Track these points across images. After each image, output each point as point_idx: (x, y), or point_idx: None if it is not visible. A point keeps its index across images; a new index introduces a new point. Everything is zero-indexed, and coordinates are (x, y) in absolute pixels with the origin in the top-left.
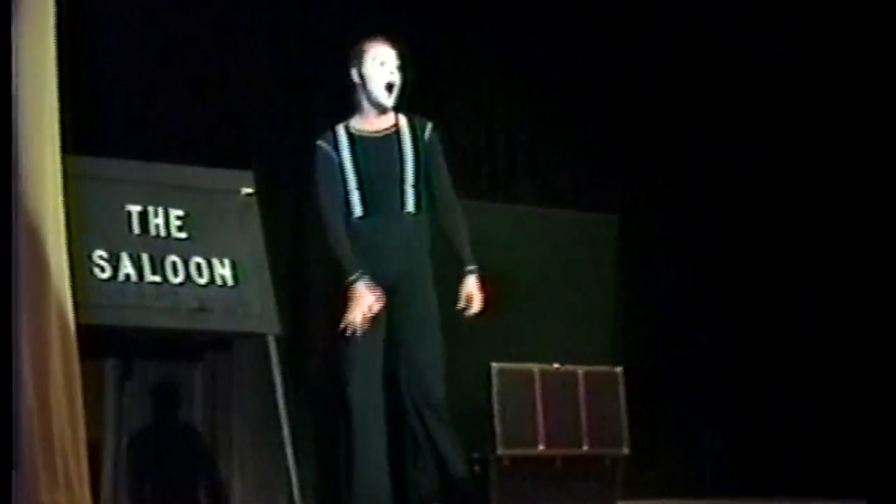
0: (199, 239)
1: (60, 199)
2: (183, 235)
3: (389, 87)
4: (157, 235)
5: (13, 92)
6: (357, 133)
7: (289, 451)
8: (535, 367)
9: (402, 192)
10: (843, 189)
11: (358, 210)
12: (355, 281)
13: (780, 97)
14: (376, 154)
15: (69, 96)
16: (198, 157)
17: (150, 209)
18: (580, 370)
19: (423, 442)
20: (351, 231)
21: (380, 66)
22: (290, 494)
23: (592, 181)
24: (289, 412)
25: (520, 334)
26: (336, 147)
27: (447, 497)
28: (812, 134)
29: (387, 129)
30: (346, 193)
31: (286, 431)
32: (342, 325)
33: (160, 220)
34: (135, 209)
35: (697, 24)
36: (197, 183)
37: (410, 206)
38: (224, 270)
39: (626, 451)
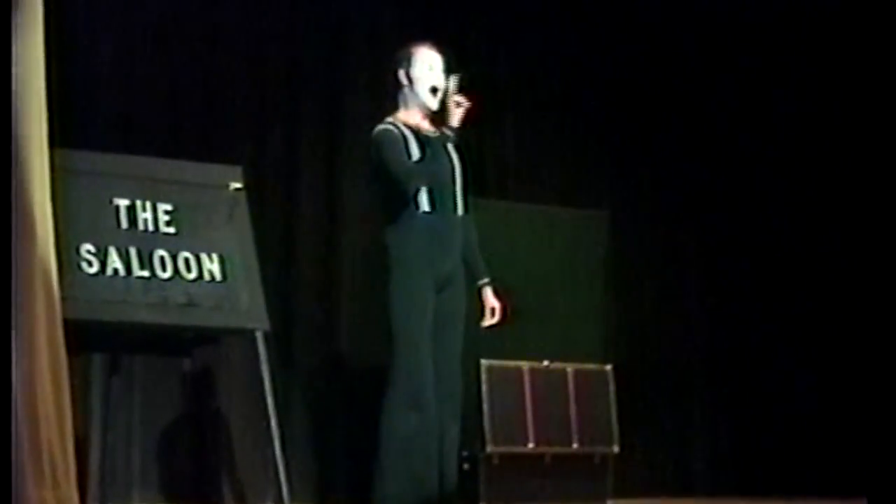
0: (188, 234)
1: (48, 192)
2: (171, 230)
3: (434, 90)
4: (146, 230)
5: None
6: (415, 129)
7: (277, 446)
8: (525, 365)
9: (454, 195)
10: (835, 184)
11: (426, 205)
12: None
13: (773, 94)
14: (433, 153)
15: (57, 90)
16: (186, 152)
17: (139, 203)
18: (570, 368)
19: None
20: (416, 222)
21: (428, 70)
22: (279, 490)
23: (583, 178)
24: (277, 408)
25: (509, 331)
26: (403, 136)
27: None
28: (805, 130)
29: (436, 132)
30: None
31: (274, 427)
32: None
33: (148, 215)
34: (123, 203)
35: (689, 20)
36: (185, 177)
37: (461, 209)
38: (212, 265)
39: (615, 449)
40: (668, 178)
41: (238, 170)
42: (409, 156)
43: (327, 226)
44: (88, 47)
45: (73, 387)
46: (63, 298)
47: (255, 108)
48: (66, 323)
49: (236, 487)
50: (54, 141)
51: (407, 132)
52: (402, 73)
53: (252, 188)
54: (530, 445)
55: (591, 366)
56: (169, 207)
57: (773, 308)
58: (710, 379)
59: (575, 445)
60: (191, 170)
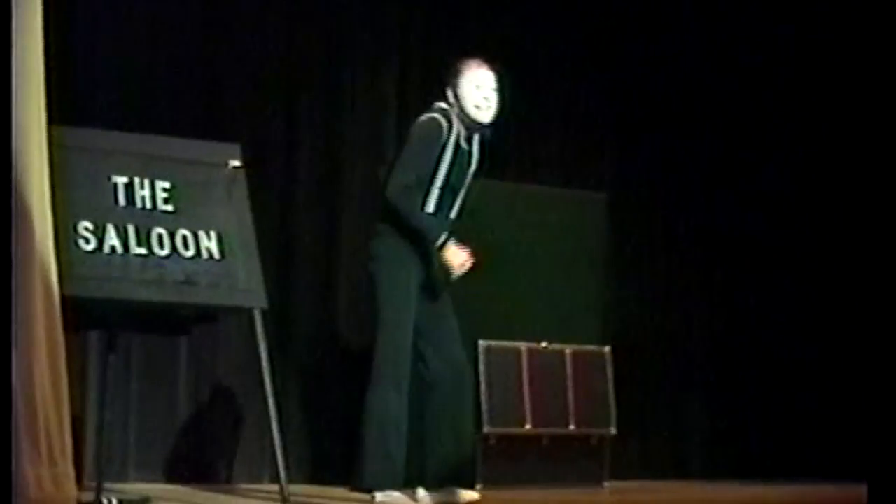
0: (186, 211)
1: (46, 169)
2: (169, 208)
3: (478, 107)
4: (144, 207)
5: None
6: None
7: (274, 425)
8: (523, 345)
9: (454, 199)
10: (835, 170)
11: (431, 207)
12: (446, 242)
13: (773, 78)
14: (458, 160)
15: (56, 66)
16: (185, 129)
17: (137, 181)
18: (568, 349)
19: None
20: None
21: (475, 88)
22: (276, 469)
23: (582, 159)
24: (274, 387)
25: (507, 312)
26: (449, 132)
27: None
28: (806, 116)
29: (470, 132)
30: (430, 183)
31: (271, 406)
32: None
33: (146, 192)
34: (121, 180)
35: (689, 3)
36: (184, 155)
37: (454, 213)
38: (210, 243)
39: (613, 431)
40: (668, 161)
41: (237, 148)
42: (441, 161)
43: (326, 204)
44: (88, 24)
45: (70, 364)
46: (60, 276)
47: (254, 86)
48: (64, 300)
49: (233, 466)
50: (52, 118)
51: (450, 145)
52: (449, 91)
53: (251, 166)
54: (527, 427)
55: (589, 347)
56: (167, 185)
57: (771, 292)
58: (708, 361)
59: (572, 427)
60: (189, 147)
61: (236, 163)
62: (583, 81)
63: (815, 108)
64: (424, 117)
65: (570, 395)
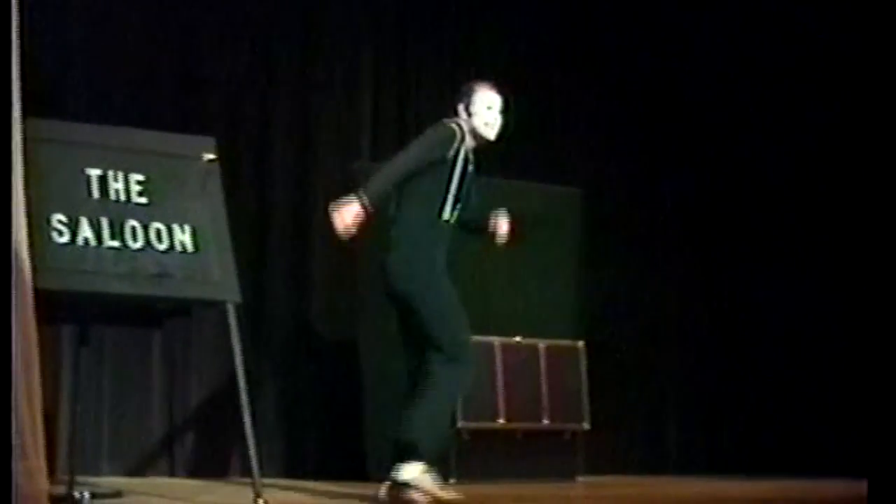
0: (160, 204)
1: (20, 162)
2: (143, 200)
3: (487, 124)
4: (117, 200)
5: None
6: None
7: (247, 420)
8: (497, 340)
9: (455, 205)
10: (804, 160)
11: (447, 214)
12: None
13: (746, 72)
14: (465, 171)
15: (30, 58)
16: (159, 122)
17: (110, 173)
18: (542, 343)
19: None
20: (439, 228)
21: (486, 108)
22: (249, 463)
23: (557, 154)
24: (247, 380)
25: (481, 306)
26: (461, 142)
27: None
28: (779, 105)
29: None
30: (446, 191)
31: (244, 399)
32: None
33: (120, 185)
34: (94, 173)
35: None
36: (158, 148)
37: (454, 217)
38: (184, 237)
39: (586, 425)
40: (641, 156)
41: (211, 141)
42: (454, 168)
43: (300, 198)
44: (62, 16)
45: (42, 358)
46: (34, 268)
47: (229, 80)
48: (37, 293)
49: (206, 460)
50: (26, 110)
51: (462, 145)
52: (461, 107)
53: (225, 160)
54: (501, 421)
55: (563, 342)
56: (141, 178)
57: (746, 285)
58: (683, 356)
59: (546, 421)
60: (164, 140)
61: (211, 156)
62: (559, 76)
63: (792, 100)
64: (440, 122)
65: (544, 389)
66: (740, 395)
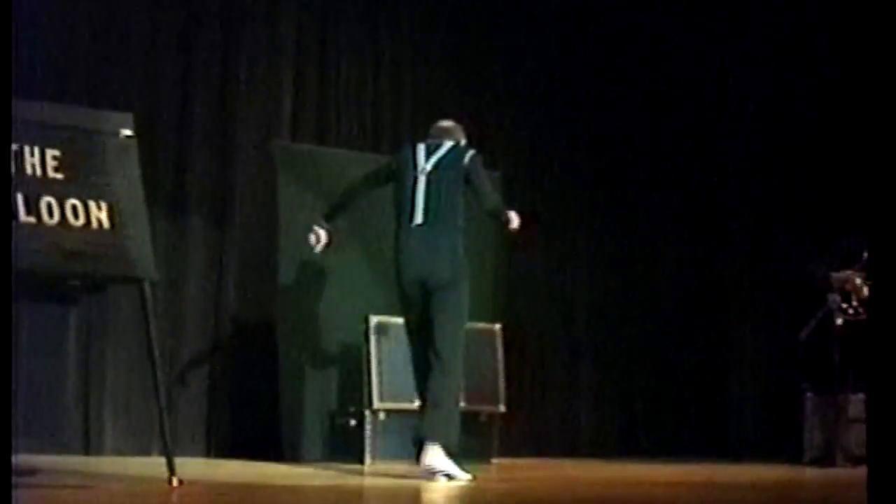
0: (76, 180)
1: None
2: (59, 176)
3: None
4: (33, 175)
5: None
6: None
7: (161, 397)
8: None
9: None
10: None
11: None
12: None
13: (664, 60)
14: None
15: None
16: (77, 97)
17: (26, 149)
18: None
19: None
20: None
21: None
22: (164, 439)
23: (477, 139)
24: (163, 358)
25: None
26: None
27: None
28: (698, 92)
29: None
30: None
31: (158, 377)
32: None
33: (36, 160)
34: (10, 148)
35: None
36: (75, 123)
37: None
38: (101, 213)
39: (502, 408)
40: (559, 141)
41: (129, 117)
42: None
43: (218, 177)
44: None
45: None
46: None
47: (147, 55)
48: None
49: (122, 437)
50: None
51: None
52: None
53: (143, 136)
54: (417, 402)
55: (479, 325)
56: (57, 153)
57: (660, 273)
58: (597, 341)
59: (462, 404)
60: (80, 116)
61: (128, 132)
62: (480, 63)
63: (714, 73)
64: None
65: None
66: (653, 378)
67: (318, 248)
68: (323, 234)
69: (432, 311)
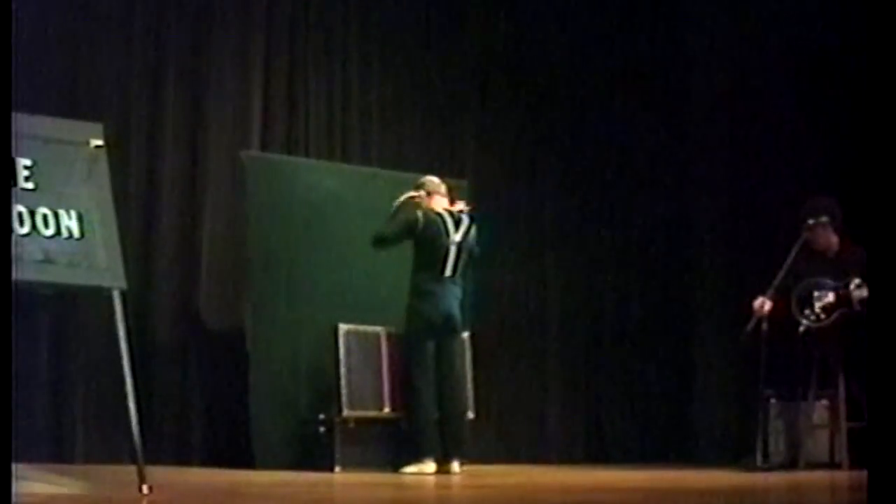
0: (46, 190)
1: None
2: (29, 186)
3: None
4: None
5: None
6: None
7: (132, 406)
8: (382, 330)
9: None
10: (686, 148)
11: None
12: None
13: (636, 63)
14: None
15: None
16: (47, 108)
17: None
18: None
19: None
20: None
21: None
22: (133, 449)
23: (444, 146)
24: (133, 367)
25: (368, 296)
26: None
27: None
28: (662, 101)
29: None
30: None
31: (129, 386)
32: None
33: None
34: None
35: None
36: (45, 133)
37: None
38: (70, 222)
39: (471, 414)
40: (526, 148)
41: (99, 127)
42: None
43: (188, 186)
44: None
45: None
46: None
47: (118, 66)
48: None
49: (92, 446)
50: None
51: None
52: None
53: (113, 146)
54: (386, 410)
55: None
56: (28, 163)
57: (628, 280)
58: (565, 348)
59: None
60: (51, 126)
61: (98, 142)
62: (446, 71)
63: (674, 76)
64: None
65: None
66: (620, 386)
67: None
68: None
69: (448, 340)
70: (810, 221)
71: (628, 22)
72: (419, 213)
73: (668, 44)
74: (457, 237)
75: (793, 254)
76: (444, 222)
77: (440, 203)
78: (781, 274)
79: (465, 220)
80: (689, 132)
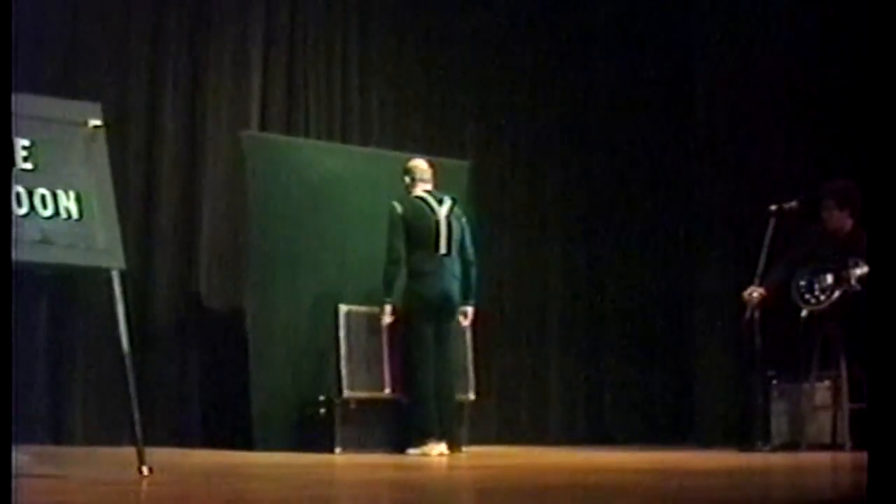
0: (45, 170)
1: None
2: (28, 166)
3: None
4: None
5: None
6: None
7: (131, 386)
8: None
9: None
10: (687, 143)
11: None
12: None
13: (637, 58)
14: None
15: None
16: (46, 87)
17: None
18: None
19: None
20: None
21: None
22: (133, 430)
23: (447, 127)
24: (132, 348)
25: (368, 277)
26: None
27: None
28: (665, 97)
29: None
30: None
31: (128, 367)
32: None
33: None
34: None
35: None
36: (43, 113)
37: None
38: (69, 203)
39: (472, 396)
40: (528, 130)
41: (97, 107)
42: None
43: (188, 166)
44: None
45: None
46: None
47: (118, 45)
48: None
49: (91, 427)
50: None
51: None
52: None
53: (112, 126)
54: (386, 391)
55: None
56: (26, 143)
57: (630, 261)
58: (567, 330)
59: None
60: (49, 106)
61: (97, 122)
62: (449, 51)
63: (676, 66)
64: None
65: None
66: (622, 367)
67: (387, 320)
68: (388, 308)
69: (444, 322)
70: (823, 202)
71: (643, 25)
72: (395, 204)
73: (672, 33)
74: (442, 212)
75: (767, 240)
76: (427, 202)
77: (422, 188)
78: (762, 261)
79: (447, 199)
80: (694, 115)
